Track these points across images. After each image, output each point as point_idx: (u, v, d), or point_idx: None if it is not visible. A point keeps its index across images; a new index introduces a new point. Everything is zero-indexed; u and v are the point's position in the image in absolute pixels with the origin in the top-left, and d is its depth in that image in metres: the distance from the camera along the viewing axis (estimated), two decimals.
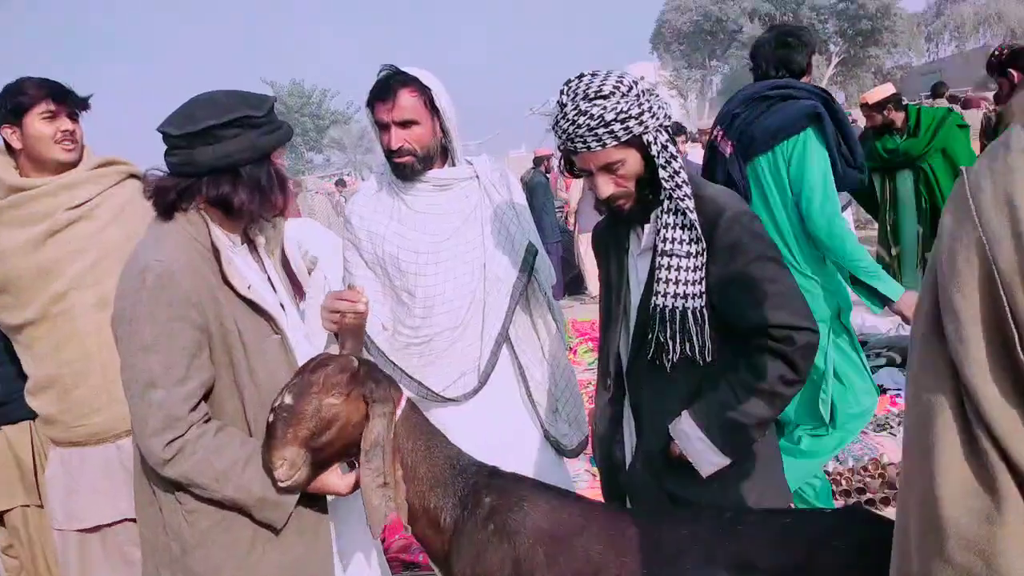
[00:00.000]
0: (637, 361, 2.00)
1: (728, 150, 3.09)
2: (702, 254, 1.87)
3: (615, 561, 1.61)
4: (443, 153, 2.39)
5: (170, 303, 1.77)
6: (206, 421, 1.81)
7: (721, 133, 3.15)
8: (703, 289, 1.87)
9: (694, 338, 1.87)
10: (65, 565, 2.67)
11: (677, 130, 7.40)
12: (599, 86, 1.83)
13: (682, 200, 1.88)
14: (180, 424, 1.76)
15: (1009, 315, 0.84)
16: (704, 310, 1.87)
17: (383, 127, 2.31)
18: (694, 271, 1.87)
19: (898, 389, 5.27)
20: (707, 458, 1.87)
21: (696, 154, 9.06)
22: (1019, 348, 0.83)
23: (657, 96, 1.93)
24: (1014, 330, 0.83)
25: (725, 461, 1.87)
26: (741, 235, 1.86)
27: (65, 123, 2.56)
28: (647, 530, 1.64)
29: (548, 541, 1.70)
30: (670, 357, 1.89)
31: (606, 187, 1.91)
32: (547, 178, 10.92)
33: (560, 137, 1.90)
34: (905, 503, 0.96)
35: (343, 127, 45.33)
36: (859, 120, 11.93)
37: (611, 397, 2.11)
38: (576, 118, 1.83)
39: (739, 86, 3.78)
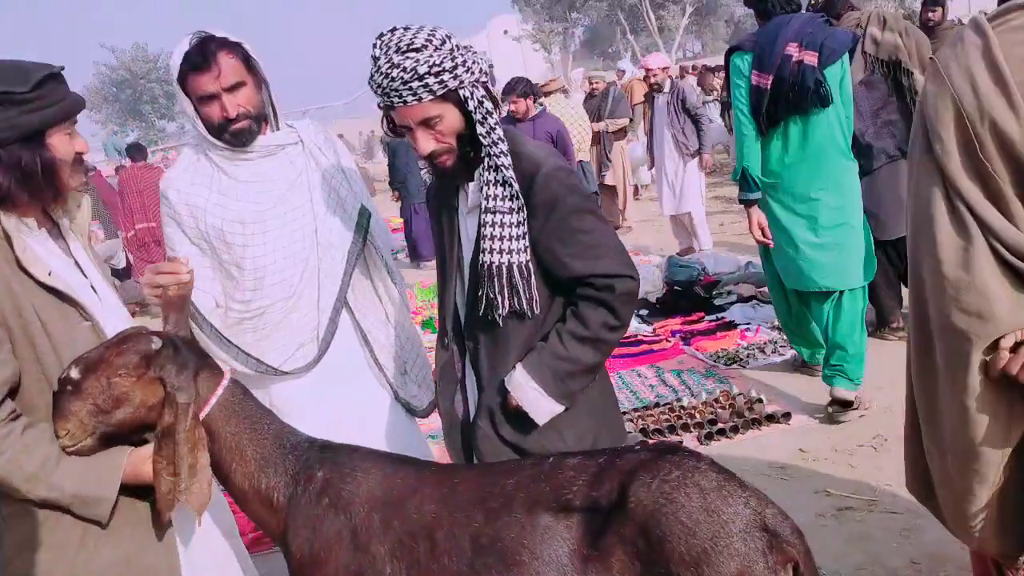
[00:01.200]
0: (472, 317, 2.02)
1: (814, 60, 3.80)
2: (522, 210, 1.89)
3: (447, 518, 1.62)
4: (264, 118, 2.29)
5: None
6: (14, 419, 1.69)
7: (797, 47, 3.83)
8: (527, 244, 1.90)
9: (521, 292, 1.90)
10: None
11: (527, 90, 7.51)
12: (411, 39, 1.81)
13: (498, 157, 1.89)
14: None
15: (973, 135, 1.47)
16: (529, 264, 1.90)
17: (209, 98, 2.17)
18: (516, 227, 1.89)
19: (747, 323, 5.56)
20: (541, 406, 1.92)
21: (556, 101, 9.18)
22: (979, 154, 1.47)
23: (472, 51, 1.92)
24: (976, 143, 1.47)
25: (559, 408, 1.92)
26: (558, 190, 1.90)
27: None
28: (476, 484, 1.66)
29: (382, 507, 1.70)
30: (500, 312, 1.92)
31: (426, 143, 1.90)
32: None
33: (376, 92, 1.87)
34: (916, 265, 1.62)
35: None
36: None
37: (451, 355, 2.12)
38: (389, 71, 1.81)
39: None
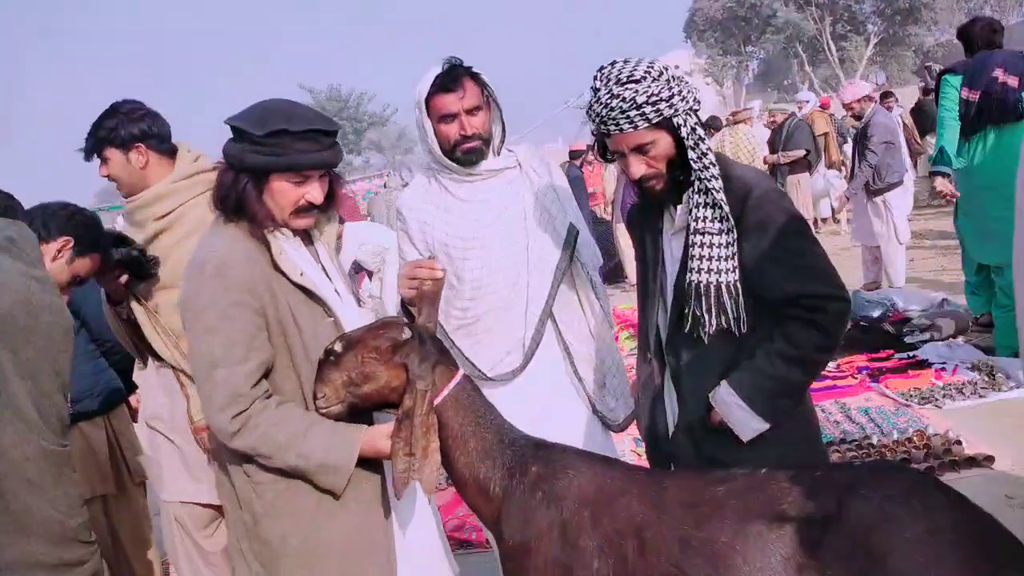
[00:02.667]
0: (675, 334, 2.10)
1: (1015, 83, 4.78)
2: (731, 231, 1.96)
3: (656, 519, 1.69)
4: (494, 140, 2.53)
5: (227, 289, 1.93)
6: (267, 397, 1.97)
7: (1003, 71, 4.82)
8: (735, 264, 1.96)
9: (728, 311, 1.96)
10: (170, 536, 2.88)
11: (709, 123, 7.57)
12: (631, 71, 1.95)
13: (709, 181, 1.97)
14: (243, 400, 1.92)
15: None
16: (737, 284, 1.96)
17: (449, 117, 2.40)
18: (725, 247, 1.96)
19: (942, 363, 5.25)
20: (747, 424, 1.96)
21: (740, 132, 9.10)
22: None
23: (686, 82, 2.02)
24: None
25: (764, 426, 1.96)
26: (771, 211, 1.95)
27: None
28: (686, 489, 1.72)
29: (592, 504, 1.79)
30: (707, 329, 1.99)
31: (638, 168, 2.02)
32: (582, 171, 11.00)
33: (594, 121, 2.02)
34: None
35: (380, 129, 45.74)
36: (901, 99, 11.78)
37: (651, 370, 2.20)
38: (609, 101, 1.95)
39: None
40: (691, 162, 1.98)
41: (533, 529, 1.84)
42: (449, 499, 4.29)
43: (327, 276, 2.18)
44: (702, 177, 1.97)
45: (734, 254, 1.96)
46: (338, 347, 1.96)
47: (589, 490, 1.82)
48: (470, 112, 2.40)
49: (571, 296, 2.56)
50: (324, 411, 1.97)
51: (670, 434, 2.15)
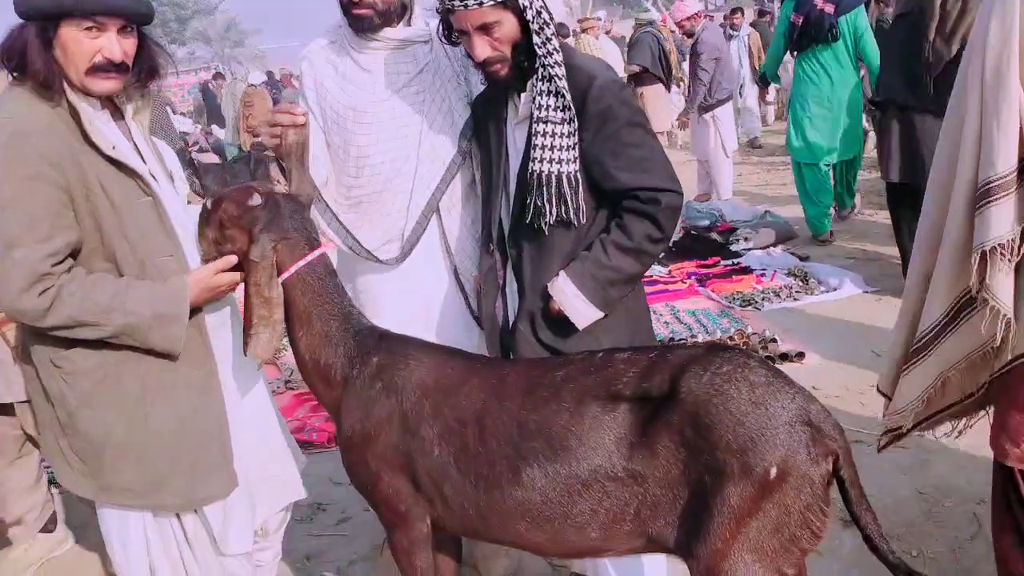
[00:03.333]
0: (517, 226, 2.07)
1: (831, 9, 5.77)
2: (573, 120, 1.93)
3: (496, 406, 1.70)
4: (400, 10, 2.29)
5: (25, 161, 1.72)
6: (71, 270, 1.79)
7: (822, 1, 5.83)
8: (576, 155, 1.94)
9: (569, 201, 1.95)
10: None
11: (557, 30, 7.45)
12: None
13: (552, 67, 1.92)
14: (48, 278, 1.74)
15: None
16: (578, 174, 1.95)
17: None
18: (567, 136, 1.93)
19: (763, 269, 5.61)
20: (582, 312, 1.98)
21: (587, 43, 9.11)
22: None
23: None
24: None
25: (599, 314, 1.98)
26: (611, 102, 1.93)
27: None
28: (525, 376, 1.73)
29: (433, 394, 1.77)
30: (547, 220, 1.96)
31: (482, 49, 1.94)
32: None
33: None
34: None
35: (207, 18, 42.34)
36: None
37: (494, 262, 2.17)
38: None
39: None
40: (535, 47, 1.92)
41: (373, 419, 1.81)
42: (288, 401, 4.18)
43: (140, 158, 1.97)
44: (546, 64, 1.92)
45: (575, 144, 1.93)
46: (208, 203, 1.90)
47: (429, 380, 1.80)
48: None
49: (461, 193, 2.39)
50: (204, 259, 1.95)
51: (511, 325, 2.15)
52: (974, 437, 3.19)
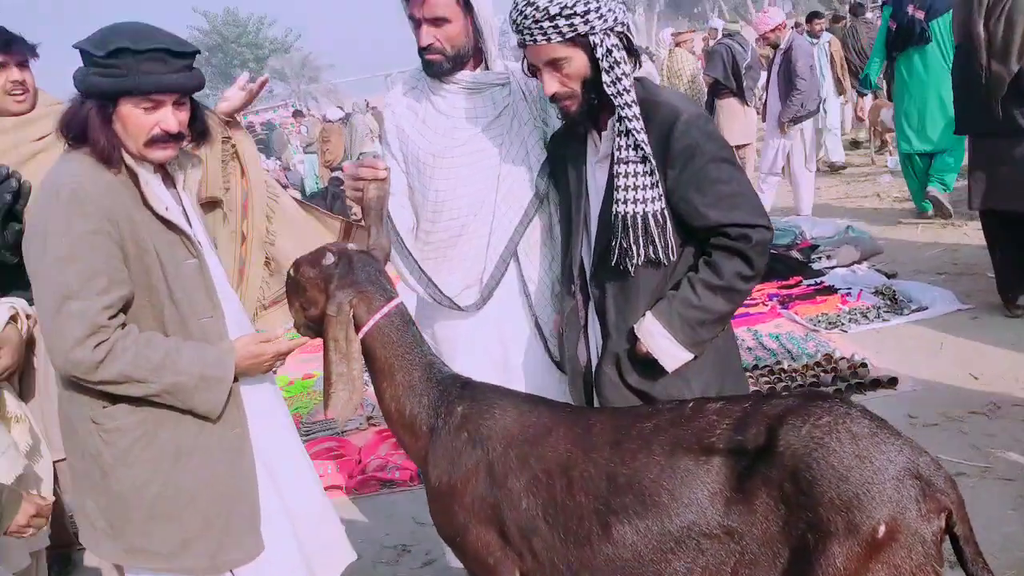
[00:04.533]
0: (601, 266, 2.04)
1: (921, 15, 6.42)
2: (648, 160, 1.89)
3: (583, 457, 1.67)
4: (478, 54, 2.30)
5: (86, 215, 1.79)
6: (124, 326, 1.85)
7: (913, 7, 6.44)
8: (660, 193, 1.91)
9: (656, 240, 1.91)
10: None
11: (635, 54, 7.43)
12: None
13: (622, 108, 1.89)
14: (104, 330, 1.79)
15: None
16: (664, 213, 1.91)
17: (414, 23, 2.24)
18: (646, 175, 1.90)
19: (848, 289, 5.42)
20: (671, 353, 1.93)
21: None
22: None
23: (614, 0, 1.91)
24: None
25: (688, 356, 1.93)
26: (697, 138, 1.89)
27: (14, 73, 2.61)
28: (612, 426, 1.70)
29: (519, 444, 1.75)
30: (635, 261, 1.93)
31: (551, 84, 1.94)
32: None
33: (513, 30, 1.94)
34: None
35: (283, 56, 43.82)
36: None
37: (575, 303, 2.14)
38: (524, 8, 1.88)
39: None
40: (604, 86, 1.90)
41: (459, 469, 1.79)
42: (371, 438, 4.22)
43: (187, 221, 2.03)
44: (616, 103, 1.90)
45: (656, 183, 1.90)
46: (290, 271, 1.96)
47: (515, 429, 1.78)
48: (434, 22, 2.19)
49: (540, 235, 2.37)
50: (294, 330, 2.01)
51: (594, 368, 2.11)
52: None
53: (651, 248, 1.91)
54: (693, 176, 1.89)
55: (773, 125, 7.59)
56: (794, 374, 4.21)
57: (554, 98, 1.98)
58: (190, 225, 2.03)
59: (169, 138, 1.89)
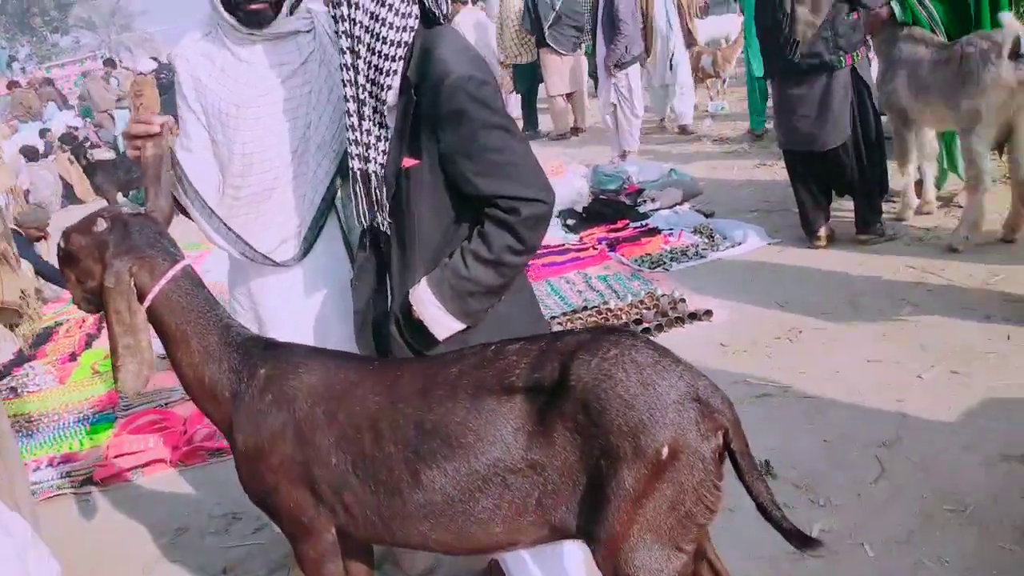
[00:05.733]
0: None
1: None
2: (368, 112, 1.86)
3: (391, 408, 1.66)
4: None
5: None
6: None
7: None
8: (382, 150, 1.87)
9: (369, 200, 1.89)
10: None
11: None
12: None
13: (341, 53, 1.85)
14: None
15: None
16: (377, 174, 1.88)
17: None
18: (373, 129, 1.87)
19: (670, 230, 5.68)
20: (441, 322, 1.88)
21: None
22: None
23: None
24: None
25: (459, 325, 1.89)
26: (465, 102, 1.77)
27: None
28: (419, 375, 1.69)
29: (325, 401, 1.72)
30: (363, 220, 1.93)
31: None
32: None
33: None
34: None
35: (91, 3, 40.19)
36: None
37: (367, 256, 2.06)
38: None
39: None
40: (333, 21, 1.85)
41: (266, 431, 1.75)
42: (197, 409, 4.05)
43: None
44: (338, 48, 1.85)
45: (381, 137, 1.87)
46: (60, 241, 1.84)
47: (321, 386, 1.75)
48: None
49: None
50: (79, 308, 1.92)
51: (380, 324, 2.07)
52: (870, 381, 3.34)
53: (361, 207, 1.89)
54: (461, 142, 1.79)
55: (602, 69, 7.78)
56: (619, 312, 4.38)
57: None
58: None
59: None
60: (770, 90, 7.56)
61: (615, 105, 7.81)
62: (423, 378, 1.68)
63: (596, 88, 9.05)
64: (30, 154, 11.03)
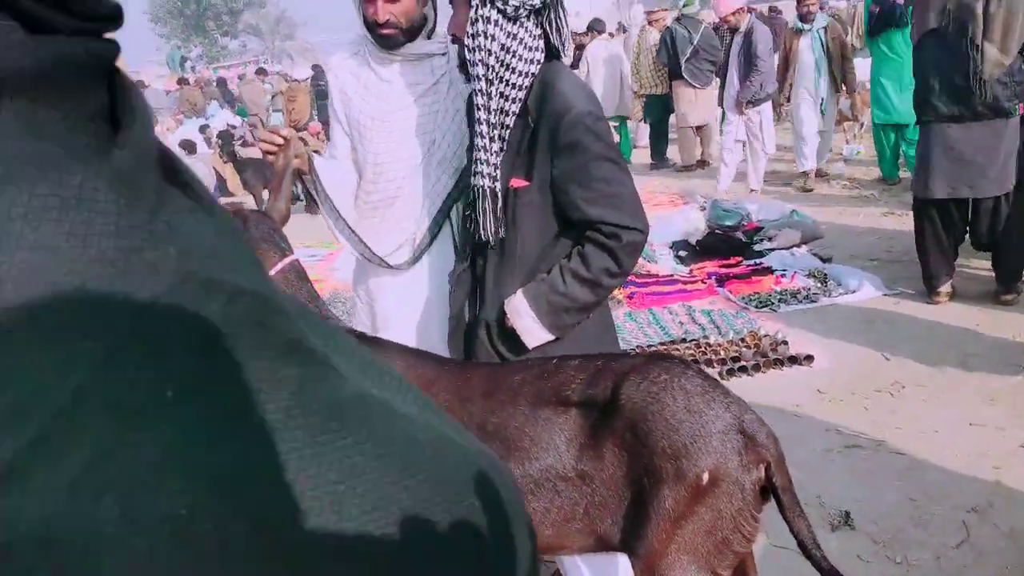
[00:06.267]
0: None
1: (902, 1, 6.98)
2: (495, 136, 2.00)
3: (459, 406, 1.79)
4: (423, 23, 2.38)
5: None
6: None
7: None
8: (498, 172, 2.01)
9: (488, 216, 2.02)
10: None
11: (592, 26, 7.68)
12: None
13: (474, 79, 1.99)
14: None
15: None
16: (495, 191, 2.01)
17: None
18: (496, 153, 2.01)
19: (783, 270, 5.60)
20: (533, 332, 2.04)
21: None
22: None
23: None
24: None
25: (549, 336, 2.04)
26: (582, 135, 1.95)
27: None
28: (487, 379, 1.81)
29: None
30: (481, 233, 2.05)
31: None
32: None
33: None
34: None
35: (259, 11, 43.09)
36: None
37: (466, 265, 2.23)
38: None
39: None
40: (467, 51, 2.00)
41: None
42: None
43: None
44: (470, 72, 1.99)
45: (499, 161, 2.00)
46: None
47: None
48: None
49: None
50: None
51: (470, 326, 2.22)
52: (969, 444, 3.22)
53: (488, 222, 2.01)
54: (575, 171, 1.95)
55: (732, 105, 7.74)
56: (718, 348, 4.37)
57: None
58: None
59: None
60: (894, 135, 7.52)
61: (743, 142, 7.75)
62: (489, 382, 1.80)
63: (723, 122, 8.97)
64: (188, 147, 11.96)
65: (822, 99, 8.10)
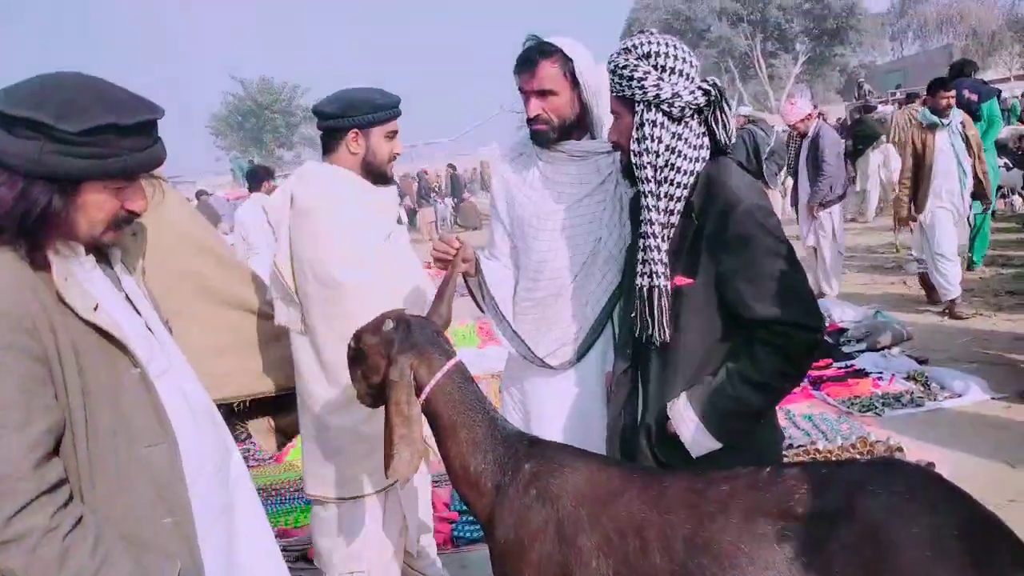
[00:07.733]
0: (644, 335, 2.07)
1: (975, 97, 7.94)
2: (664, 235, 1.98)
3: (658, 518, 1.70)
4: (584, 122, 2.44)
5: None
6: (65, 504, 1.39)
7: (968, 91, 7.94)
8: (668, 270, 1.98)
9: (657, 316, 1.96)
10: None
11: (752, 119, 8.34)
12: (636, 43, 2.01)
13: (641, 182, 1.99)
14: (24, 487, 1.34)
15: None
16: (666, 289, 1.96)
17: (524, 95, 2.40)
18: (663, 251, 1.98)
19: (879, 373, 5.45)
20: (699, 441, 1.94)
21: None
22: None
23: (680, 77, 1.98)
24: None
25: (715, 445, 1.94)
26: (752, 229, 1.88)
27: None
28: (687, 488, 1.72)
29: (590, 503, 1.78)
30: (648, 333, 1.99)
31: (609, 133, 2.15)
32: None
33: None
34: None
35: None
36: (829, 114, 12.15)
37: (626, 365, 2.17)
38: (615, 57, 2.04)
39: None
40: (632, 156, 2.00)
41: (527, 527, 1.81)
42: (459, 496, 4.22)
43: (135, 310, 1.66)
44: (636, 175, 2.00)
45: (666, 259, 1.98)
46: (351, 342, 2.00)
47: (586, 488, 1.81)
48: (540, 95, 2.34)
49: None
50: (359, 399, 2.08)
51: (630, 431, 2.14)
52: None
53: (659, 321, 1.96)
54: (744, 266, 1.89)
55: (804, 208, 7.75)
56: (828, 455, 4.21)
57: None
58: (138, 312, 1.66)
59: (133, 218, 1.57)
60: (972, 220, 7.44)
61: (814, 248, 7.72)
62: (692, 493, 1.71)
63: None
64: None
65: (970, 207, 6.87)
